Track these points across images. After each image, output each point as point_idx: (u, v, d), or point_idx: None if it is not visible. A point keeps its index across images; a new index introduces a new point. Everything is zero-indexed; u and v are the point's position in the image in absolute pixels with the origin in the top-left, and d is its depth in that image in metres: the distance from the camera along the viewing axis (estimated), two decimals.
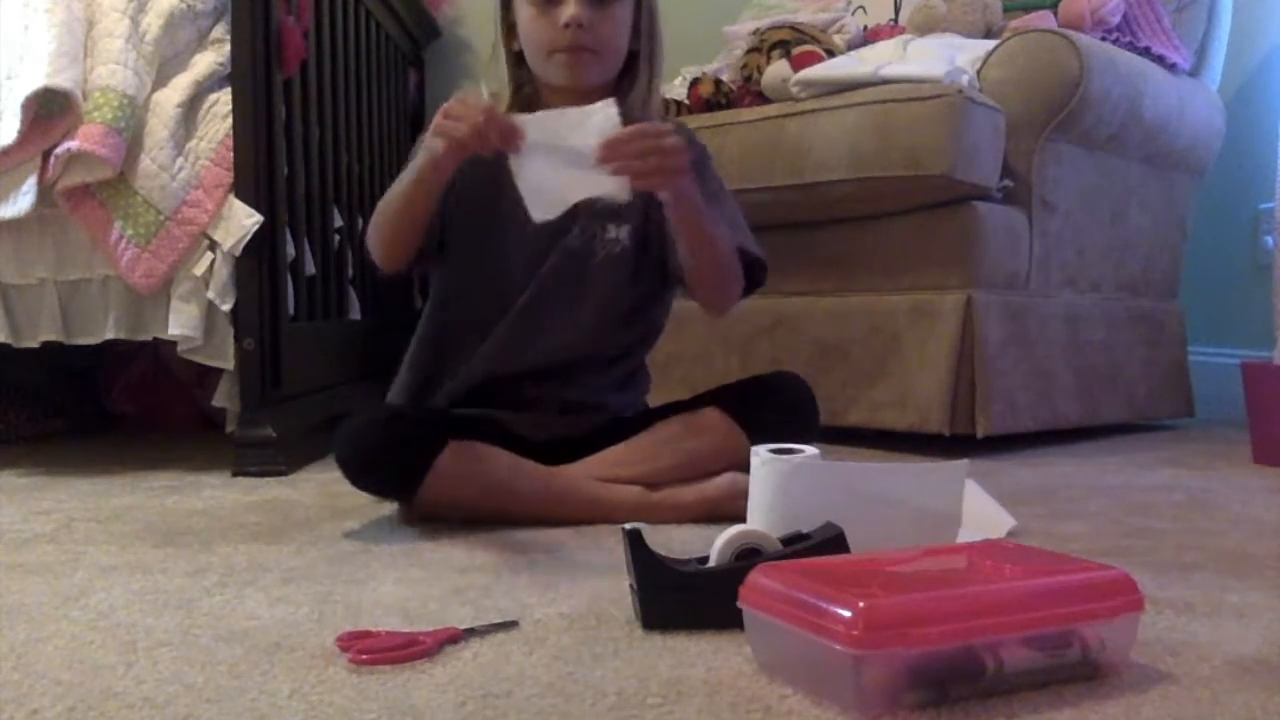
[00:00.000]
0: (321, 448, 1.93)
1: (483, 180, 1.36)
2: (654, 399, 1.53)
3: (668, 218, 1.30)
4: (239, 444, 1.73)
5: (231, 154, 1.75)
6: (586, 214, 1.39)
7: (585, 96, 1.28)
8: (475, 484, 1.30)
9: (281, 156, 1.81)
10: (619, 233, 1.41)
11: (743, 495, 1.08)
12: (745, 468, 1.10)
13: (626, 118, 1.22)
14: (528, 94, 1.42)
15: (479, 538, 1.22)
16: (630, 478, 1.33)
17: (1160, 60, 2.20)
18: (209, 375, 1.95)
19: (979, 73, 1.99)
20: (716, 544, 0.90)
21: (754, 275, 1.42)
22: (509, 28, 1.41)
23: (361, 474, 1.31)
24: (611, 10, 1.36)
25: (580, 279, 1.40)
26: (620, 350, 1.46)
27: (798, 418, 1.41)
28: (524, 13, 1.37)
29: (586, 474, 1.34)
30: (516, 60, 1.42)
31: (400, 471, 1.29)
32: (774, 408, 1.39)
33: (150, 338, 1.81)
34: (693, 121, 2.23)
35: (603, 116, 1.14)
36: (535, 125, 1.16)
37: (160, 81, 1.79)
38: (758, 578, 0.76)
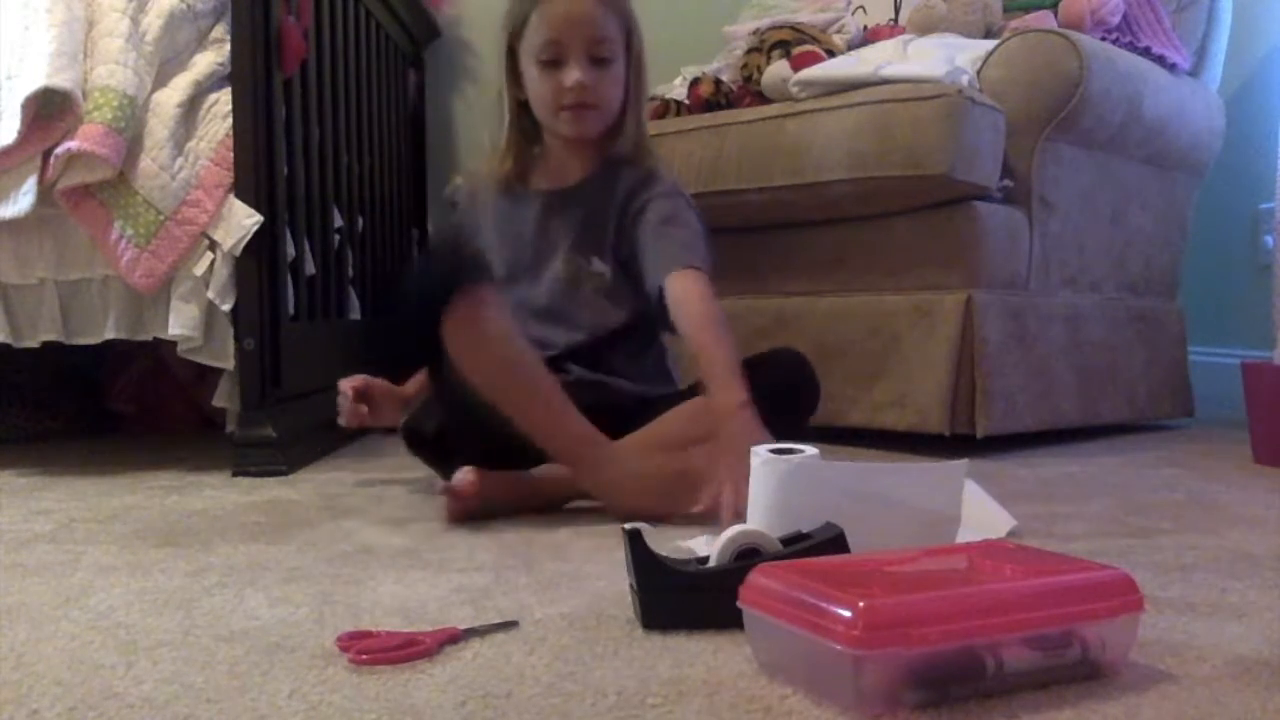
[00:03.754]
0: (322, 448, 1.93)
1: (500, 231, 1.60)
2: None
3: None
4: (239, 444, 1.73)
5: (231, 154, 1.75)
6: (571, 246, 1.56)
7: (585, 143, 1.57)
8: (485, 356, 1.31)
9: (281, 156, 1.81)
10: (602, 266, 1.55)
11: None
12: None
13: (615, 157, 1.57)
14: (530, 138, 1.61)
15: (479, 538, 1.22)
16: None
17: (1160, 60, 2.20)
18: (209, 375, 1.95)
19: (979, 73, 1.99)
20: (716, 544, 0.90)
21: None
22: (514, 76, 1.56)
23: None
24: (610, 70, 1.53)
25: (569, 308, 1.55)
26: (619, 366, 1.54)
27: (795, 398, 1.46)
28: (530, 71, 1.53)
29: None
30: (521, 107, 1.58)
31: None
32: (771, 387, 1.39)
33: (150, 338, 1.81)
34: (692, 122, 2.23)
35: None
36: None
37: (160, 81, 1.79)
38: (758, 578, 0.76)
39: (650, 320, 1.55)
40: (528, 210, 1.60)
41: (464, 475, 1.31)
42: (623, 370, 1.55)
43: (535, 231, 1.59)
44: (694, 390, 1.46)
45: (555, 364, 1.46)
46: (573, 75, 1.49)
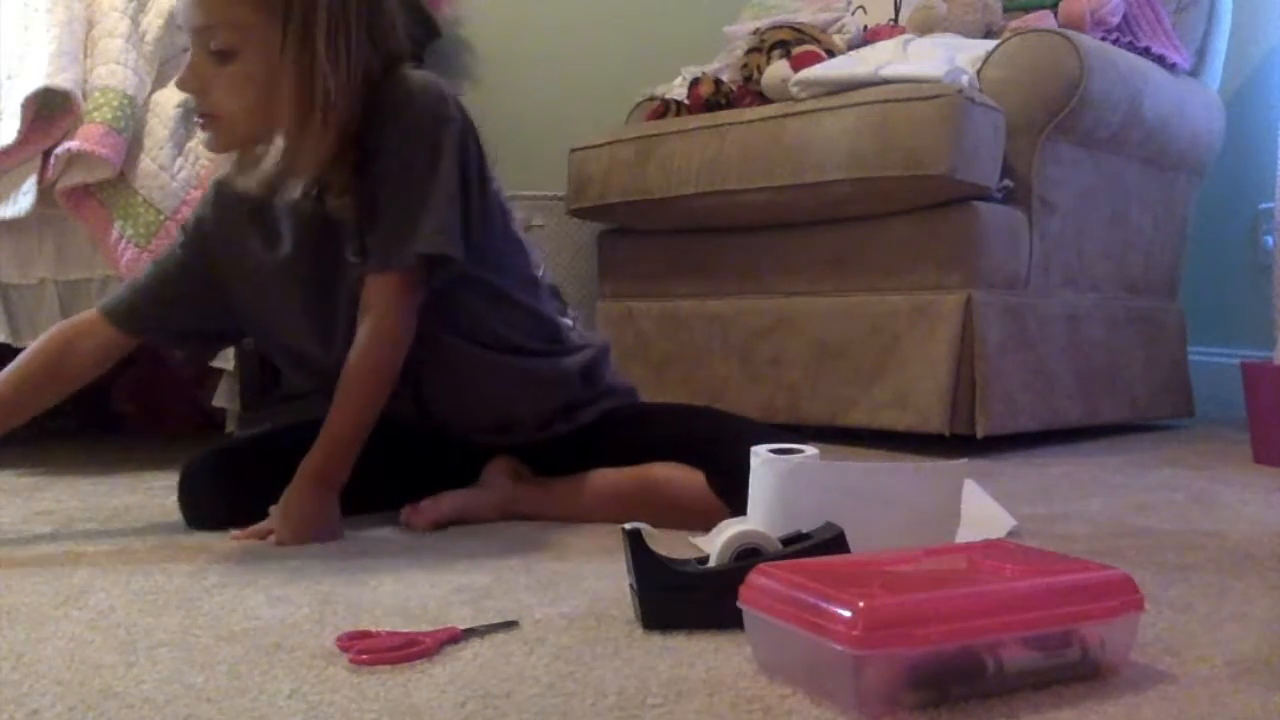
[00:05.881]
0: None
1: (232, 240, 1.34)
2: (649, 399, 1.51)
3: None
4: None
5: None
6: (327, 240, 1.27)
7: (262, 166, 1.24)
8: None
9: None
10: (351, 255, 1.25)
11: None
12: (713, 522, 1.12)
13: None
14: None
15: (479, 538, 1.22)
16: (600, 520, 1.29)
17: (1160, 60, 2.20)
18: (209, 375, 1.95)
19: (979, 73, 1.99)
20: (716, 544, 0.90)
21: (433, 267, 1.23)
22: None
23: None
24: (231, 68, 1.16)
25: (333, 310, 1.28)
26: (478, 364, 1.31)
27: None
28: None
29: (557, 504, 1.33)
30: None
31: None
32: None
33: None
34: (692, 122, 2.23)
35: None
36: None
37: (160, 81, 1.80)
38: (758, 578, 0.76)
39: (437, 324, 1.26)
40: (281, 225, 1.31)
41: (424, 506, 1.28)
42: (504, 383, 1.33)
43: (295, 248, 1.29)
44: (644, 414, 1.41)
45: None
46: (182, 68, 1.18)
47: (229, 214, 1.33)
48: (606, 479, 1.32)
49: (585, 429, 1.38)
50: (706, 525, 1.21)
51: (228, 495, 1.30)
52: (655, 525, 1.20)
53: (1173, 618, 0.89)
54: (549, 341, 1.37)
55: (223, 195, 1.34)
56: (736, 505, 1.11)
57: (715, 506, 1.23)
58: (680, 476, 1.28)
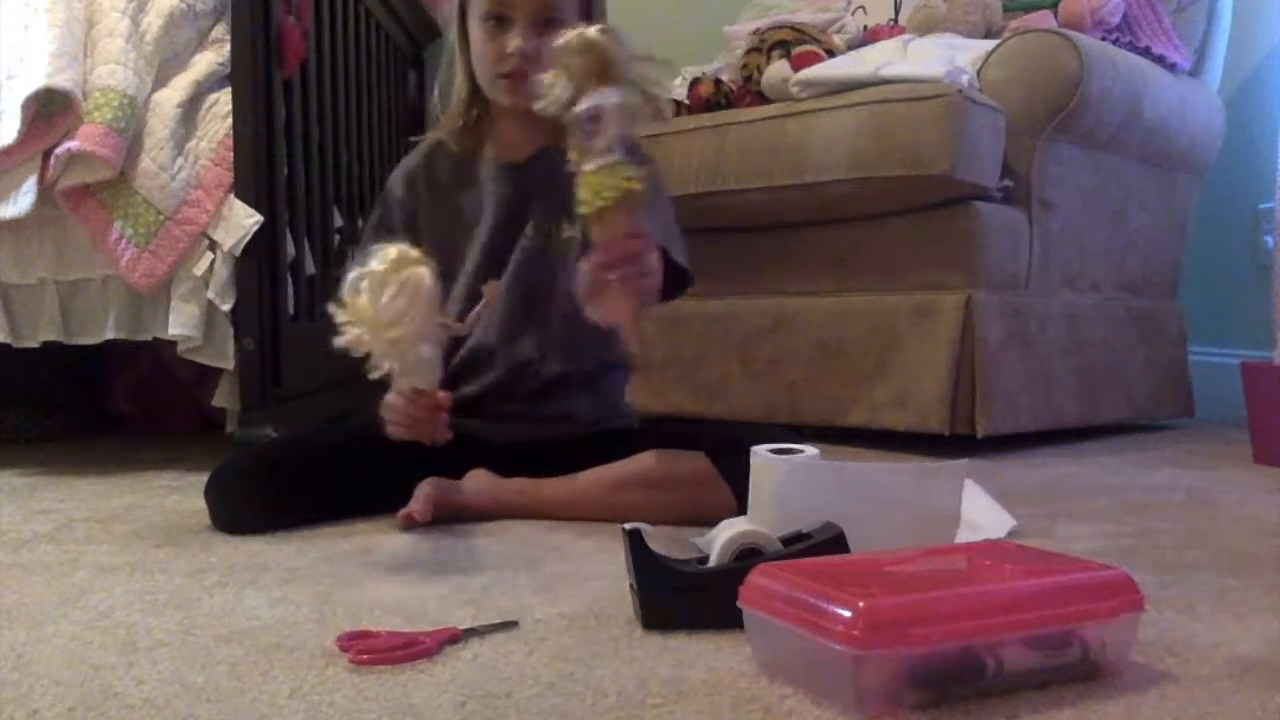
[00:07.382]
0: None
1: (448, 198, 1.46)
2: (648, 400, 1.52)
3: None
4: (239, 444, 1.73)
5: (231, 154, 1.75)
6: (540, 211, 1.41)
7: (529, 114, 1.33)
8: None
9: (281, 156, 1.81)
10: (575, 230, 1.38)
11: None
12: (722, 515, 1.11)
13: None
14: (477, 113, 1.45)
15: (479, 538, 1.22)
16: (596, 515, 1.29)
17: (1160, 60, 2.20)
18: (209, 375, 1.95)
19: (979, 73, 1.99)
20: (716, 544, 0.90)
21: (679, 285, 1.35)
22: (465, 39, 1.43)
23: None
24: (556, 37, 1.35)
25: (545, 280, 1.40)
26: (590, 360, 1.42)
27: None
28: (476, 31, 1.40)
29: (550, 495, 1.34)
30: (470, 71, 1.43)
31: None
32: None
33: (150, 338, 1.81)
34: (692, 122, 2.23)
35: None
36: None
37: (160, 81, 1.79)
38: (758, 578, 0.76)
39: None
40: (485, 186, 1.45)
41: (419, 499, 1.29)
42: (572, 390, 1.42)
43: (497, 208, 1.43)
44: (646, 430, 1.43)
45: (503, 389, 1.40)
46: (514, 41, 1.35)
47: (439, 173, 1.48)
48: (603, 469, 1.33)
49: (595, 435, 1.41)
50: (704, 503, 1.23)
51: (261, 498, 1.31)
52: (653, 508, 1.23)
53: (1173, 618, 0.89)
54: (624, 367, 1.50)
55: (437, 154, 1.49)
56: (735, 476, 1.12)
57: (713, 478, 1.26)
58: (678, 457, 1.31)
